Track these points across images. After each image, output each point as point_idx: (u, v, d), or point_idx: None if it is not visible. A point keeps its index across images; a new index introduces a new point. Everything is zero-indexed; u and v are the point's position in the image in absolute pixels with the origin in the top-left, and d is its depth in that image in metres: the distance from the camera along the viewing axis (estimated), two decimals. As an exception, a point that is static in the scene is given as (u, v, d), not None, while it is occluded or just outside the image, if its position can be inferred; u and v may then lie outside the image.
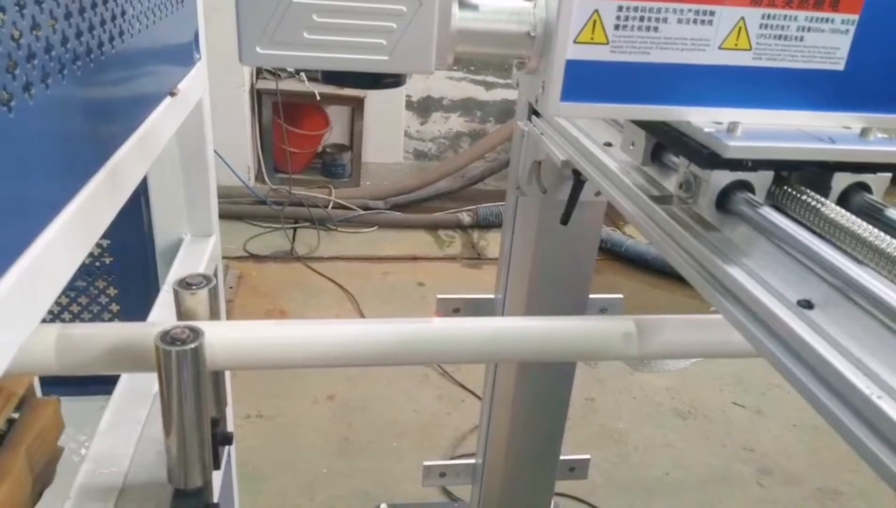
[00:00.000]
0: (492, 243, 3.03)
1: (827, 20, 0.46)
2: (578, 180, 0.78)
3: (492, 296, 1.04)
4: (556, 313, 0.93)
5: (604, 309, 0.99)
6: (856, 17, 0.47)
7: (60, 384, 0.89)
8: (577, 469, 1.16)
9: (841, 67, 0.48)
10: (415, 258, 2.90)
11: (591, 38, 0.44)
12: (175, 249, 0.96)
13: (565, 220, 0.83)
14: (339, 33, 0.43)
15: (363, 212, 3.14)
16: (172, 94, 0.73)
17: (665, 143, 0.52)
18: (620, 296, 1.01)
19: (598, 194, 0.83)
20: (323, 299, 2.55)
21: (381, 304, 2.51)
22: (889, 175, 0.47)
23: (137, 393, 0.65)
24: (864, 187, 0.47)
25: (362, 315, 2.43)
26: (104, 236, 0.83)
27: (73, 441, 0.97)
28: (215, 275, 0.72)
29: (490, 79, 3.61)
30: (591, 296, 0.98)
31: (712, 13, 0.45)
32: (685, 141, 0.47)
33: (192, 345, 0.47)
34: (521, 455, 1.09)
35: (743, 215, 0.45)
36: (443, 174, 3.33)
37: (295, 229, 3.05)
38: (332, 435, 1.88)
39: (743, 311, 0.40)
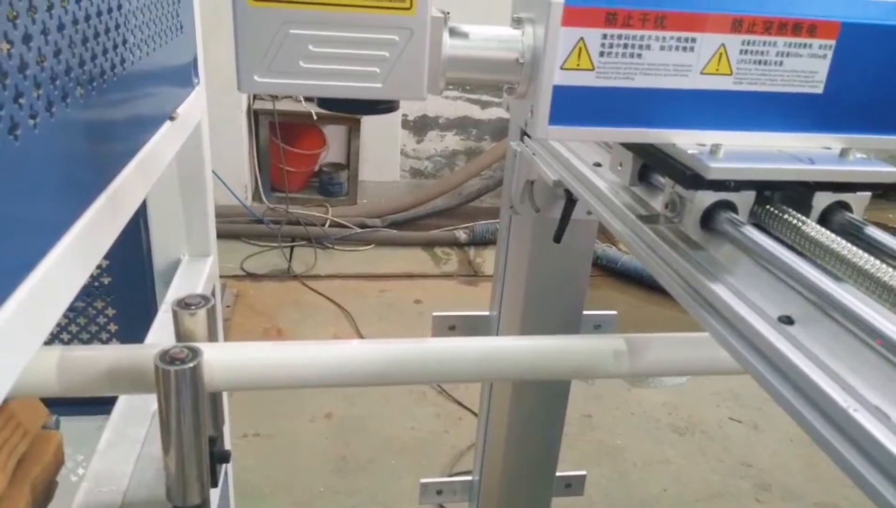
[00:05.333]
0: (488, 260, 3.05)
1: (805, 45, 0.48)
2: (570, 199, 0.80)
3: (487, 313, 1.05)
4: (550, 330, 0.94)
5: (598, 326, 1.00)
6: (832, 42, 0.49)
7: (58, 403, 0.89)
8: (573, 486, 1.16)
9: (820, 90, 0.50)
10: (411, 276, 2.91)
11: (577, 65, 0.46)
12: (173, 269, 0.97)
13: (558, 238, 0.84)
14: (333, 62, 0.44)
15: (360, 230, 3.16)
16: (172, 118, 0.74)
17: (651, 164, 0.54)
18: (615, 313, 1.02)
19: (589, 212, 0.85)
20: (320, 317, 2.55)
21: (378, 321, 2.52)
22: (868, 194, 0.49)
23: (136, 413, 0.65)
24: (845, 206, 0.49)
25: (359, 333, 2.43)
26: (103, 257, 0.84)
27: (71, 461, 0.97)
28: (213, 295, 0.73)
29: (485, 98, 3.64)
30: (586, 313, 0.99)
31: (693, 40, 0.47)
32: (670, 162, 0.49)
33: (191, 365, 0.48)
34: (518, 472, 1.10)
35: (726, 234, 0.46)
36: (439, 192, 3.35)
37: (292, 247, 3.06)
38: (330, 454, 1.88)
39: (726, 327, 0.41)
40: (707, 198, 0.47)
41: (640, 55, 0.46)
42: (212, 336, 0.57)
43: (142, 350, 0.51)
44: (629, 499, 1.78)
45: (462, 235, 3.18)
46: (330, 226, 3.16)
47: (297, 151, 3.38)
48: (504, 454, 1.08)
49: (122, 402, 0.67)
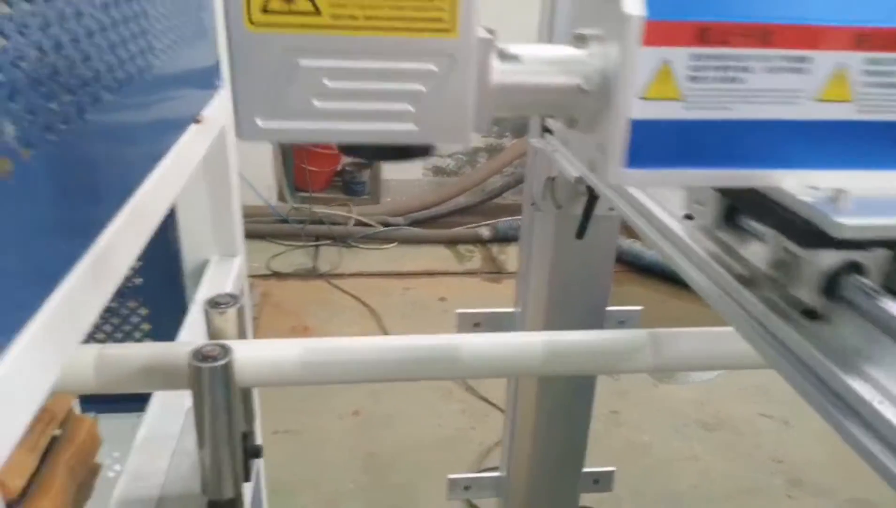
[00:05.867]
0: (511, 256, 3.05)
1: None
2: (592, 196, 0.80)
3: (511, 310, 1.05)
4: (574, 326, 0.94)
5: (622, 322, 1.00)
6: None
7: (95, 401, 0.91)
8: (601, 482, 1.16)
9: None
10: (435, 274, 2.92)
11: (661, 94, 0.37)
12: (202, 269, 0.99)
13: (581, 234, 0.84)
14: (355, 100, 0.36)
15: (383, 228, 3.18)
16: (197, 120, 0.76)
17: (746, 209, 0.45)
18: (639, 308, 1.02)
19: (611, 208, 0.84)
20: (346, 315, 2.58)
21: (402, 319, 2.53)
22: None
23: (170, 409, 0.67)
24: None
25: (385, 331, 2.45)
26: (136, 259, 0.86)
27: (108, 458, 1.00)
28: (242, 294, 0.75)
29: (507, 94, 3.64)
30: (609, 309, 0.99)
31: (807, 60, 0.38)
32: (776, 211, 0.40)
33: (223, 362, 0.50)
34: (545, 468, 1.10)
35: (856, 306, 0.37)
36: (461, 190, 3.35)
37: (317, 246, 3.10)
38: (358, 451, 1.90)
39: (875, 440, 0.33)
40: (831, 259, 0.38)
41: (740, 79, 0.38)
42: (241, 334, 0.58)
43: (175, 348, 0.53)
44: (657, 496, 1.77)
45: (485, 232, 3.18)
46: (354, 225, 3.18)
47: (320, 151, 3.42)
48: (531, 450, 1.09)
49: (157, 399, 0.69)
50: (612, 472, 1.17)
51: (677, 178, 0.40)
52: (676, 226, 0.51)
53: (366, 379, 0.55)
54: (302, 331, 2.46)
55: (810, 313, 0.37)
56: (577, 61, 0.39)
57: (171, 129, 0.68)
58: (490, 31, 0.37)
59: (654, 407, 2.10)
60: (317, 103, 0.36)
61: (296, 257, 3.00)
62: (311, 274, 2.88)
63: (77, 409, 0.64)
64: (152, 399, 0.69)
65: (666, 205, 0.54)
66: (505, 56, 0.38)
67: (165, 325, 1.10)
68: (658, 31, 0.36)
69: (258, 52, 0.34)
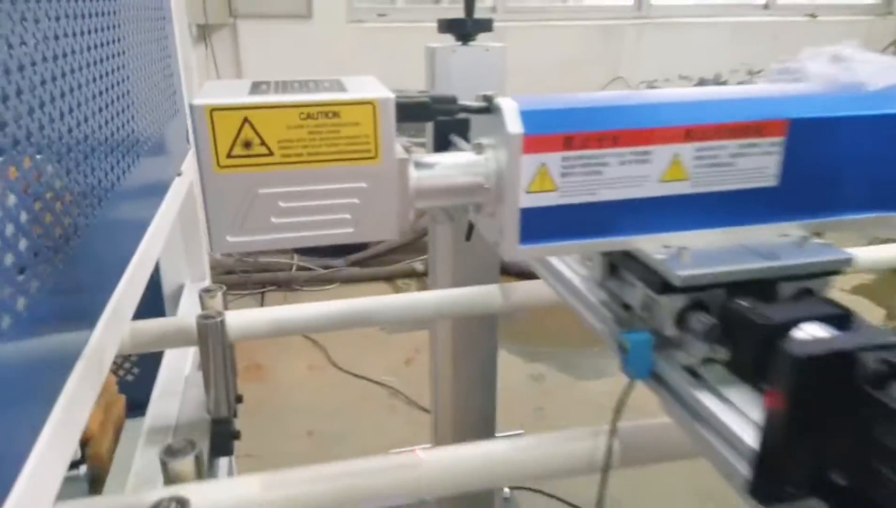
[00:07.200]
0: (445, 286, 3.31)
1: (754, 145, 0.50)
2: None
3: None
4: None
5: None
6: (782, 139, 0.51)
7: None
8: (512, 442, 1.42)
9: (773, 182, 0.52)
10: (376, 307, 3.17)
11: (541, 187, 0.47)
12: (179, 292, 1.23)
13: (468, 237, 1.14)
14: (304, 214, 0.45)
15: (324, 271, 3.41)
16: (179, 174, 1.03)
17: (620, 265, 0.55)
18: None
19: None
20: (295, 351, 2.78)
21: (348, 348, 2.76)
22: (829, 278, 0.50)
23: (174, 375, 0.91)
24: (809, 290, 0.50)
25: (331, 362, 2.67)
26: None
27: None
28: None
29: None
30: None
31: (648, 153, 0.48)
32: (639, 267, 0.51)
33: (220, 319, 0.76)
34: (464, 435, 1.36)
35: (697, 334, 0.47)
36: (395, 230, 3.61)
37: (263, 293, 3.29)
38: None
39: (711, 432, 0.46)
40: (678, 302, 0.48)
41: (599, 172, 0.48)
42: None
43: (186, 319, 0.79)
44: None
45: (419, 265, 3.46)
46: (296, 270, 3.41)
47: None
48: (452, 420, 1.34)
49: (163, 368, 0.94)
50: (521, 434, 1.43)
51: (560, 249, 0.51)
52: (576, 279, 0.63)
53: (320, 329, 0.82)
54: (255, 369, 2.66)
55: (669, 342, 0.49)
56: (478, 164, 0.49)
57: (165, 183, 0.94)
58: (407, 149, 0.48)
59: (573, 401, 2.40)
60: (274, 220, 0.45)
61: (244, 305, 3.19)
62: (260, 317, 3.08)
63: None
64: (160, 369, 0.93)
65: (567, 262, 0.68)
66: (420, 165, 0.49)
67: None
68: (534, 143, 0.46)
69: (225, 187, 0.43)
